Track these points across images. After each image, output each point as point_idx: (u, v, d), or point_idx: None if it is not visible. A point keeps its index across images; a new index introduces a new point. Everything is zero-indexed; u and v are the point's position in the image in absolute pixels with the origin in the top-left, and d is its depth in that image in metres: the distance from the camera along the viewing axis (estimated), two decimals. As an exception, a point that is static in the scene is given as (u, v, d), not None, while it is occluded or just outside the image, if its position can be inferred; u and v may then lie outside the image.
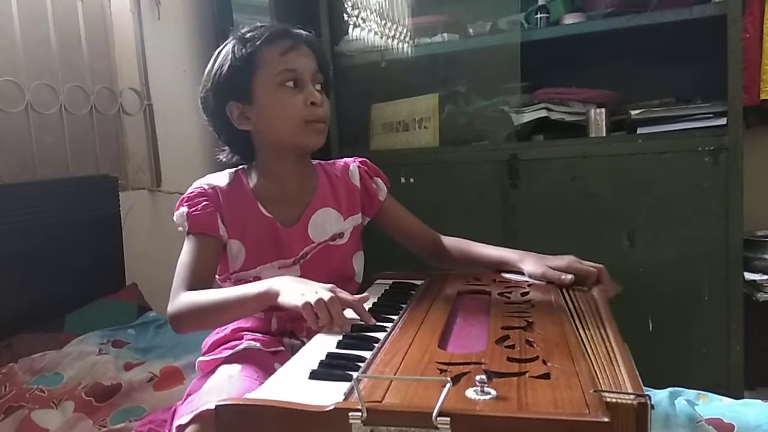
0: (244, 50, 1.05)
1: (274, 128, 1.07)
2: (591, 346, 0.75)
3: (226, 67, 1.06)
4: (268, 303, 0.93)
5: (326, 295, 0.87)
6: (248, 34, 1.07)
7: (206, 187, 1.09)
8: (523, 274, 1.13)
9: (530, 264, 1.11)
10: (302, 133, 1.06)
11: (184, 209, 1.06)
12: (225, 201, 1.08)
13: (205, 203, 1.06)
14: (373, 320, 0.89)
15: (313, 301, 0.87)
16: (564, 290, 1.03)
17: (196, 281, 1.02)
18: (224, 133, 1.13)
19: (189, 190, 1.09)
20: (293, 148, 1.10)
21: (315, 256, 1.11)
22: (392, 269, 1.23)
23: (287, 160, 1.11)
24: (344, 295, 0.90)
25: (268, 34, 1.06)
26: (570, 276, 1.05)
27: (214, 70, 1.08)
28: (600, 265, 1.07)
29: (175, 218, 1.07)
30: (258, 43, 1.05)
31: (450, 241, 1.24)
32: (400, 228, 1.23)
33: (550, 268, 1.08)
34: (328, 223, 1.12)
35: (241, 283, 1.10)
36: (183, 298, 0.99)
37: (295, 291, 0.90)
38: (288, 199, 1.12)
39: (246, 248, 1.09)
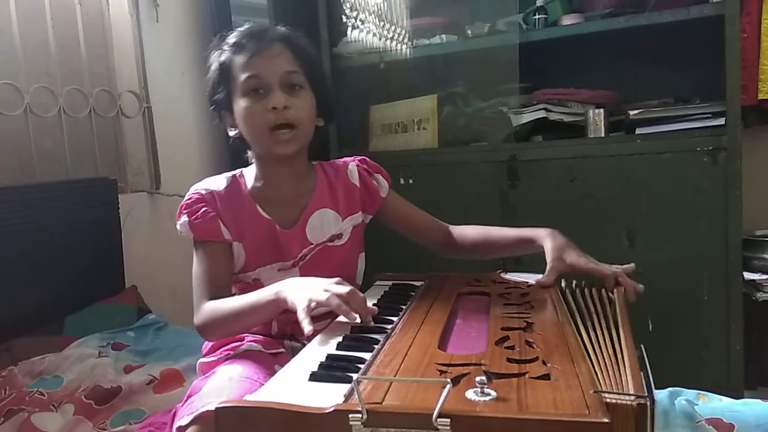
0: (218, 62, 1.08)
1: (247, 136, 1.08)
2: (595, 347, 0.75)
3: (211, 80, 1.10)
4: (280, 309, 0.94)
5: (340, 289, 0.89)
6: (224, 43, 1.08)
7: (203, 192, 1.09)
8: (522, 271, 1.13)
9: (552, 242, 1.08)
10: (269, 142, 1.05)
11: (185, 218, 1.06)
12: (223, 204, 1.08)
13: (204, 209, 1.06)
14: (371, 319, 0.90)
15: (321, 298, 0.88)
16: (578, 290, 1.03)
17: (216, 289, 1.04)
18: (228, 137, 1.14)
19: (186, 197, 1.09)
20: (268, 156, 1.09)
21: (314, 257, 1.11)
22: (391, 269, 1.23)
23: (277, 165, 1.11)
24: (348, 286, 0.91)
25: (235, 41, 1.07)
26: (546, 281, 1.04)
27: (207, 81, 1.11)
28: (618, 270, 1.05)
29: (178, 227, 1.07)
30: (228, 53, 1.07)
31: (462, 230, 1.23)
32: (405, 222, 1.22)
33: (562, 258, 1.05)
34: (326, 225, 1.12)
35: (241, 285, 1.11)
36: (206, 309, 1.01)
37: (302, 293, 0.90)
38: (285, 200, 1.12)
39: (246, 250, 1.09)
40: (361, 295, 0.92)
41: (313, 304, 0.88)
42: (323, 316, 0.94)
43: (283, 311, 0.95)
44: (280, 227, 1.10)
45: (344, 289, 0.89)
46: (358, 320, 0.89)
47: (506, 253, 1.19)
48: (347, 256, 1.16)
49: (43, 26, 1.79)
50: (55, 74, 1.81)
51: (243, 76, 1.04)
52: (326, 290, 0.89)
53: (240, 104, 1.05)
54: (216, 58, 1.09)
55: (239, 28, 1.09)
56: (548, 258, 1.07)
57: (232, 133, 1.11)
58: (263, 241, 1.09)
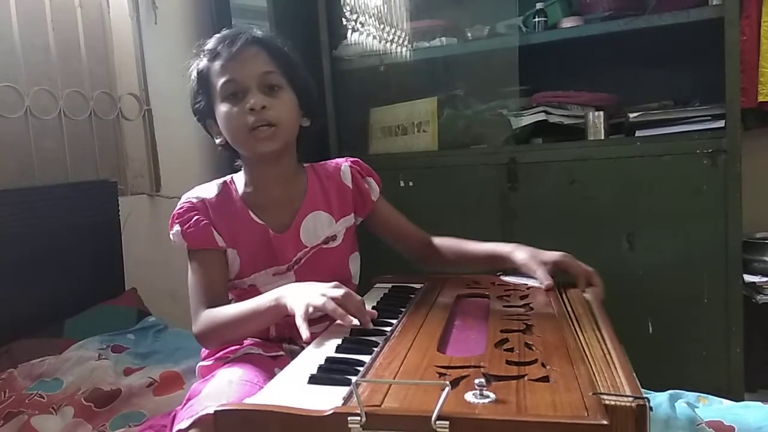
0: (196, 71, 1.08)
1: (230, 140, 1.08)
2: (588, 349, 0.76)
3: (193, 91, 1.10)
4: (281, 315, 0.94)
5: (336, 292, 0.89)
6: (201, 51, 1.08)
7: (194, 200, 1.09)
8: (521, 274, 1.13)
9: (522, 254, 1.11)
10: (249, 141, 1.05)
11: (177, 228, 1.06)
12: (215, 212, 1.08)
13: (197, 217, 1.07)
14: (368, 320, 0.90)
15: (318, 303, 0.88)
16: (559, 293, 1.03)
17: (213, 297, 1.04)
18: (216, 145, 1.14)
19: (178, 206, 1.09)
20: (252, 156, 1.09)
21: (309, 260, 1.11)
22: (388, 270, 1.23)
23: (263, 167, 1.10)
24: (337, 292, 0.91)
25: (209, 49, 1.07)
26: (550, 282, 1.06)
27: (190, 90, 1.11)
28: (590, 268, 1.08)
29: (171, 237, 1.07)
30: (205, 61, 1.07)
31: (441, 241, 1.24)
32: (390, 229, 1.22)
33: (543, 261, 1.08)
34: (319, 227, 1.12)
35: (237, 291, 1.11)
36: (204, 317, 1.02)
37: (300, 299, 0.90)
38: (277, 204, 1.11)
39: (240, 256, 1.09)
40: (359, 297, 0.92)
41: (311, 309, 0.88)
42: (321, 319, 0.94)
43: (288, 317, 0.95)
44: (274, 231, 1.09)
45: (340, 292, 0.90)
46: (355, 322, 0.89)
47: (479, 267, 1.20)
48: (342, 258, 1.16)
49: (43, 29, 1.79)
50: (56, 77, 1.81)
51: (220, 82, 1.04)
52: (323, 294, 0.89)
53: (220, 110, 1.06)
54: (194, 68, 1.09)
55: (215, 35, 1.09)
56: (530, 267, 1.09)
57: (218, 141, 1.11)
58: (257, 247, 1.09)
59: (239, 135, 1.05)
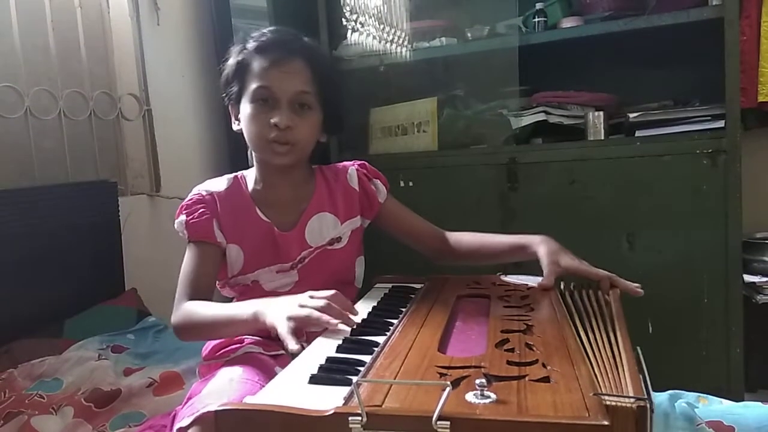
0: (237, 57, 1.08)
1: (247, 140, 1.09)
2: (594, 350, 0.76)
3: (225, 71, 1.10)
4: (256, 329, 0.95)
5: (316, 302, 0.87)
6: (249, 41, 1.09)
7: (204, 193, 1.10)
8: (522, 274, 1.13)
9: (544, 248, 1.09)
10: (265, 151, 1.07)
11: (183, 217, 1.08)
12: (222, 206, 1.09)
13: (202, 210, 1.07)
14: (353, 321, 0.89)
15: (299, 314, 0.86)
16: (575, 292, 1.03)
17: (197, 290, 1.04)
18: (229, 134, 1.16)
19: (188, 197, 1.10)
20: (262, 160, 1.11)
21: (313, 260, 1.11)
22: (391, 272, 1.23)
23: (275, 172, 1.11)
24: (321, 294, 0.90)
25: (258, 45, 1.07)
26: (547, 282, 1.05)
27: (222, 70, 1.12)
28: (611, 274, 1.06)
29: (176, 226, 1.08)
30: (249, 53, 1.07)
31: (457, 236, 1.23)
32: (402, 228, 1.22)
33: (557, 261, 1.07)
34: (324, 228, 1.13)
35: (240, 287, 1.12)
36: (184, 309, 1.02)
37: (280, 313, 0.88)
38: (284, 203, 1.12)
39: (244, 252, 1.09)
40: (329, 293, 0.90)
41: (292, 324, 0.85)
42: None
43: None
44: (279, 230, 1.10)
45: (321, 301, 0.87)
46: (342, 327, 0.87)
47: (500, 260, 1.19)
48: (346, 260, 1.16)
49: (43, 29, 1.79)
50: (56, 77, 1.81)
51: (255, 84, 1.05)
52: (302, 305, 0.87)
53: (246, 108, 1.06)
54: (236, 54, 1.09)
55: (265, 29, 1.09)
56: (544, 262, 1.08)
57: (236, 127, 1.12)
58: (262, 243, 1.09)
59: (257, 142, 1.07)
